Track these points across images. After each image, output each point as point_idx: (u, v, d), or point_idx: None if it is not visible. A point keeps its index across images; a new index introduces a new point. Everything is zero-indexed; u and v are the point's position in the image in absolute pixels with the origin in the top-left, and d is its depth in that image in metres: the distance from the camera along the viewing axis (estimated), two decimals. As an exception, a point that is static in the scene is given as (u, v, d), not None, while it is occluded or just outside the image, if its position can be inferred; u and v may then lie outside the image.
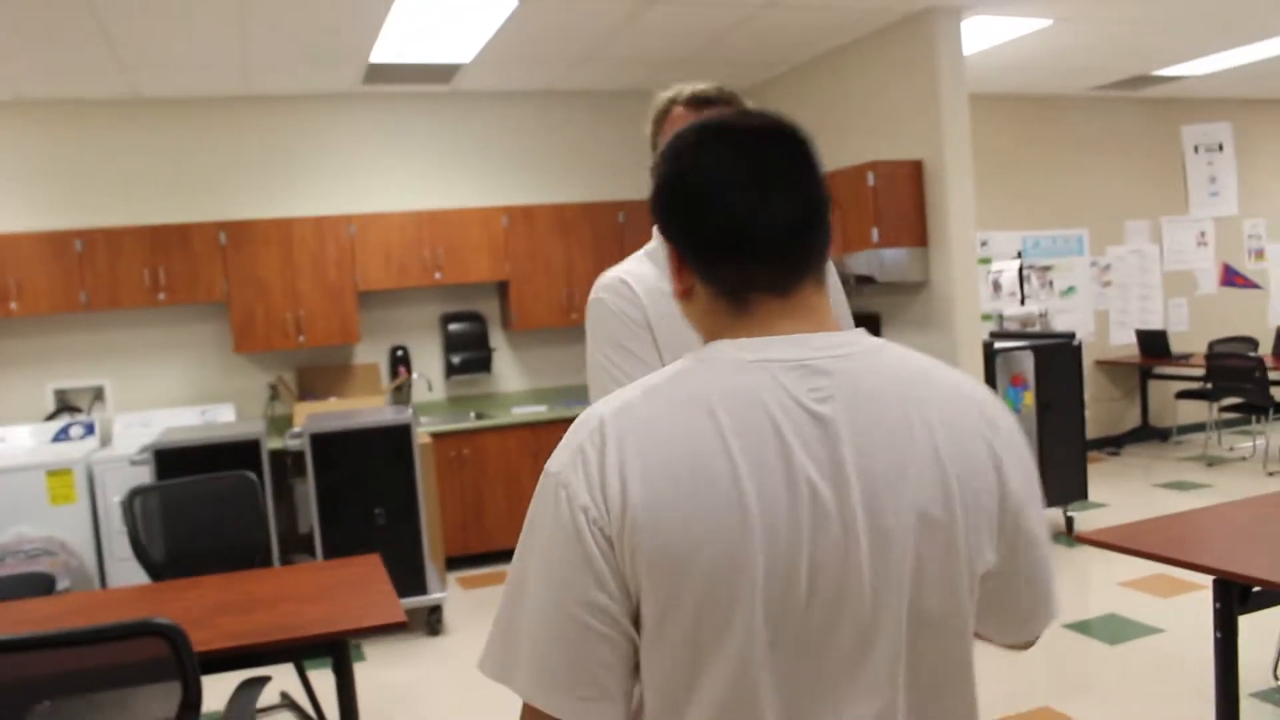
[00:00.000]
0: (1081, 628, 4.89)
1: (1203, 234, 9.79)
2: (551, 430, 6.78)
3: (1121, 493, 7.52)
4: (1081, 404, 6.61)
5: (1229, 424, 9.50)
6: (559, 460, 1.08)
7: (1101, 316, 9.28)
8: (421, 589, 5.40)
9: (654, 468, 1.02)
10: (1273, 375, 7.91)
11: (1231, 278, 9.99)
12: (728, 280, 1.12)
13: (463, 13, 5.37)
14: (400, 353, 7.02)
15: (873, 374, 1.09)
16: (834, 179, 6.02)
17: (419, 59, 6.18)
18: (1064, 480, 6.46)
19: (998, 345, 6.42)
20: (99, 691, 2.43)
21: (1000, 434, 1.13)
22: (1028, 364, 6.42)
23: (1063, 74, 8.03)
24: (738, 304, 1.12)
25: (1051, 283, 8.99)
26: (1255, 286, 10.11)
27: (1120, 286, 9.40)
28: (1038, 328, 7.72)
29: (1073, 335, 6.74)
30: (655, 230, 2.09)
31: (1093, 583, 5.62)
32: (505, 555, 6.73)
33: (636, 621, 1.05)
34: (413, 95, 7.09)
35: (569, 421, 1.09)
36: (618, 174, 7.57)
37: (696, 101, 2.01)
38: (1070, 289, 9.08)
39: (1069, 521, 6.60)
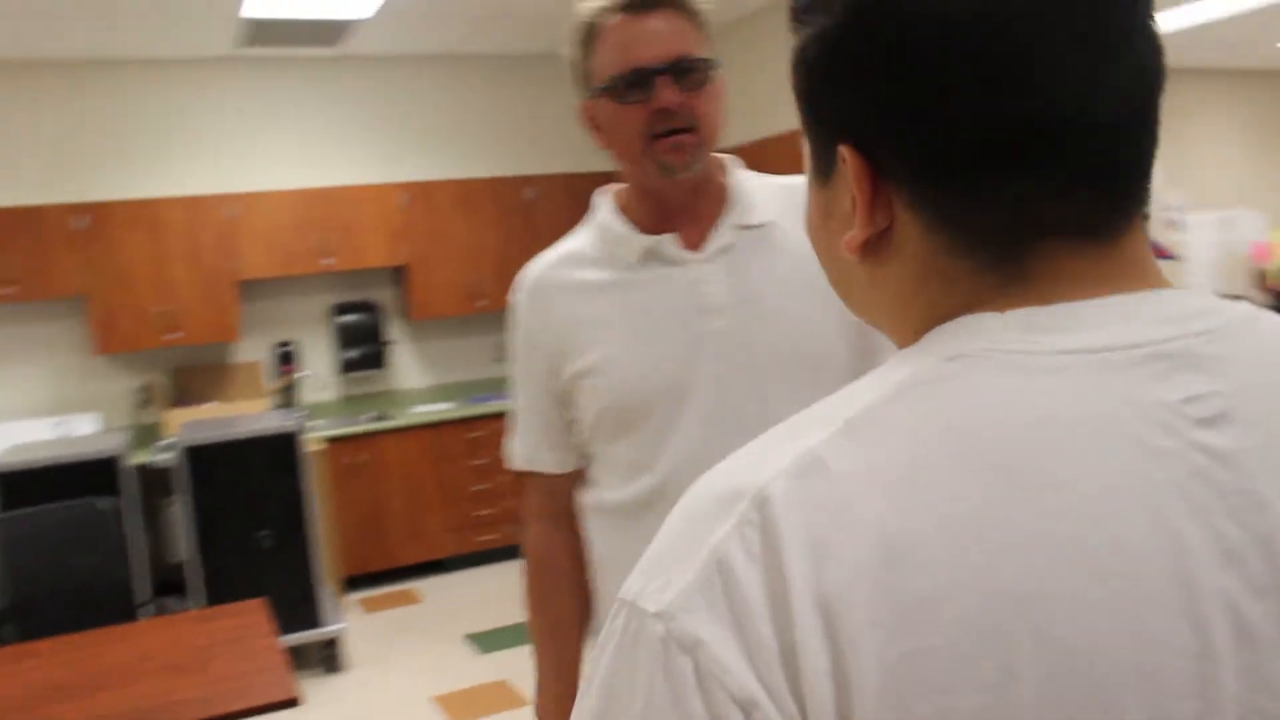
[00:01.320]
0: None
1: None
2: (458, 430, 6.16)
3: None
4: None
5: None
6: (669, 589, 0.54)
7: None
8: (315, 621, 4.75)
9: (901, 605, 0.50)
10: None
11: (1154, 250, 9.86)
12: (996, 213, 0.58)
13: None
14: (286, 349, 6.30)
15: (1272, 363, 0.57)
16: (786, 142, 5.51)
17: (304, 14, 5.45)
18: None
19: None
20: None
21: None
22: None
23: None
24: (1007, 257, 0.59)
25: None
26: (1174, 258, 10.03)
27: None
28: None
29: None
30: (598, 193, 1.60)
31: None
32: (411, 571, 6.11)
33: None
34: (297, 59, 6.34)
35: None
36: (527, 146, 6.93)
37: (636, 4, 1.46)
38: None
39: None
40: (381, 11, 5.47)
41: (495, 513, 6.27)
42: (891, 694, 0.48)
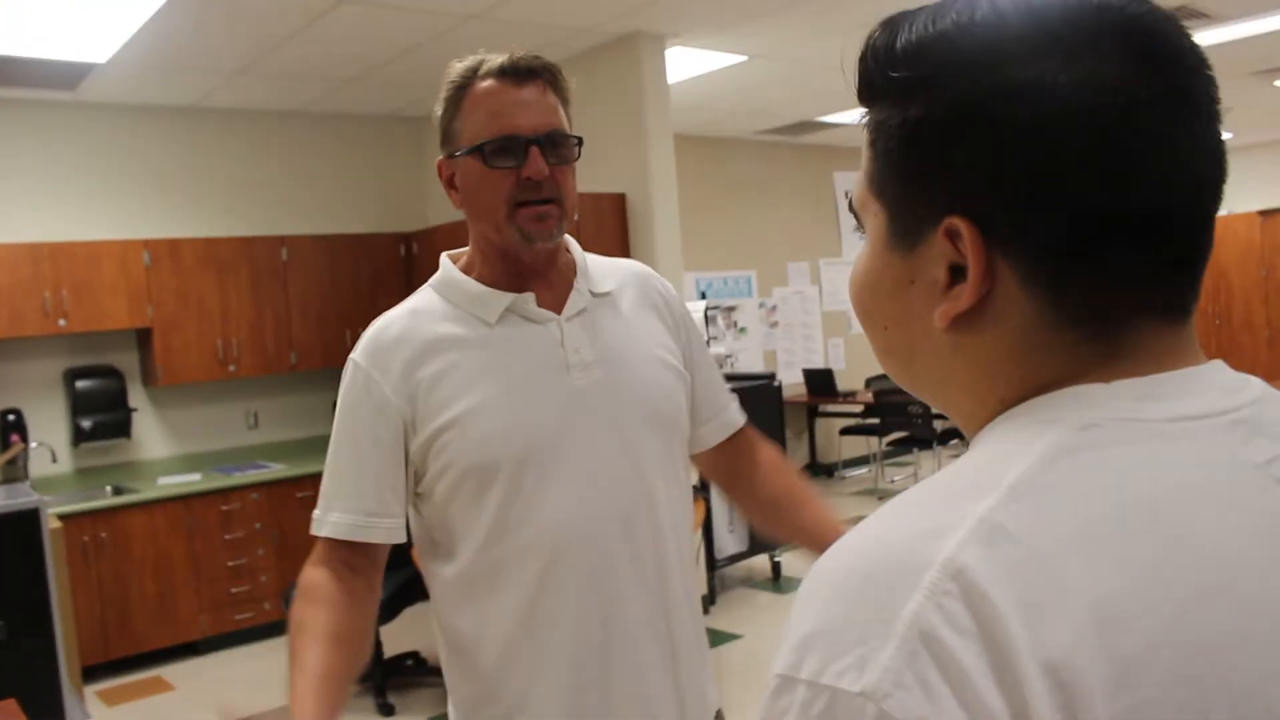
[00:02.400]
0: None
1: (853, 275, 10.25)
2: (210, 502, 5.76)
3: (813, 532, 7.54)
4: (784, 444, 6.52)
5: (887, 456, 9.91)
6: (872, 662, 0.51)
7: (770, 356, 9.41)
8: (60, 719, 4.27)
9: (1118, 662, 0.50)
10: (935, 409, 8.27)
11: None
12: (1102, 291, 0.61)
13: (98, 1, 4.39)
14: (12, 417, 5.71)
15: None
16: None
17: (39, 54, 5.03)
18: (771, 524, 6.32)
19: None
20: None
21: None
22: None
23: (734, 116, 8.06)
24: (1104, 335, 0.61)
25: (736, 324, 9.00)
26: (897, 325, 10.75)
27: (786, 327, 9.61)
28: (726, 369, 7.61)
29: (772, 376, 6.65)
30: (444, 258, 1.57)
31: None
32: (155, 657, 5.63)
33: None
34: (29, 103, 5.83)
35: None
36: (281, 205, 6.66)
37: (513, 73, 1.49)
38: (742, 329, 9.13)
39: (776, 566, 6.46)
40: (119, 57, 5.14)
41: (252, 589, 5.88)
42: None
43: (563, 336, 1.52)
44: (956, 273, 0.62)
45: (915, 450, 9.15)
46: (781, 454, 1.81)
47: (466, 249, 1.61)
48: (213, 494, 5.80)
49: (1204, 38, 6.43)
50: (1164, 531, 0.55)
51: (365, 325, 1.57)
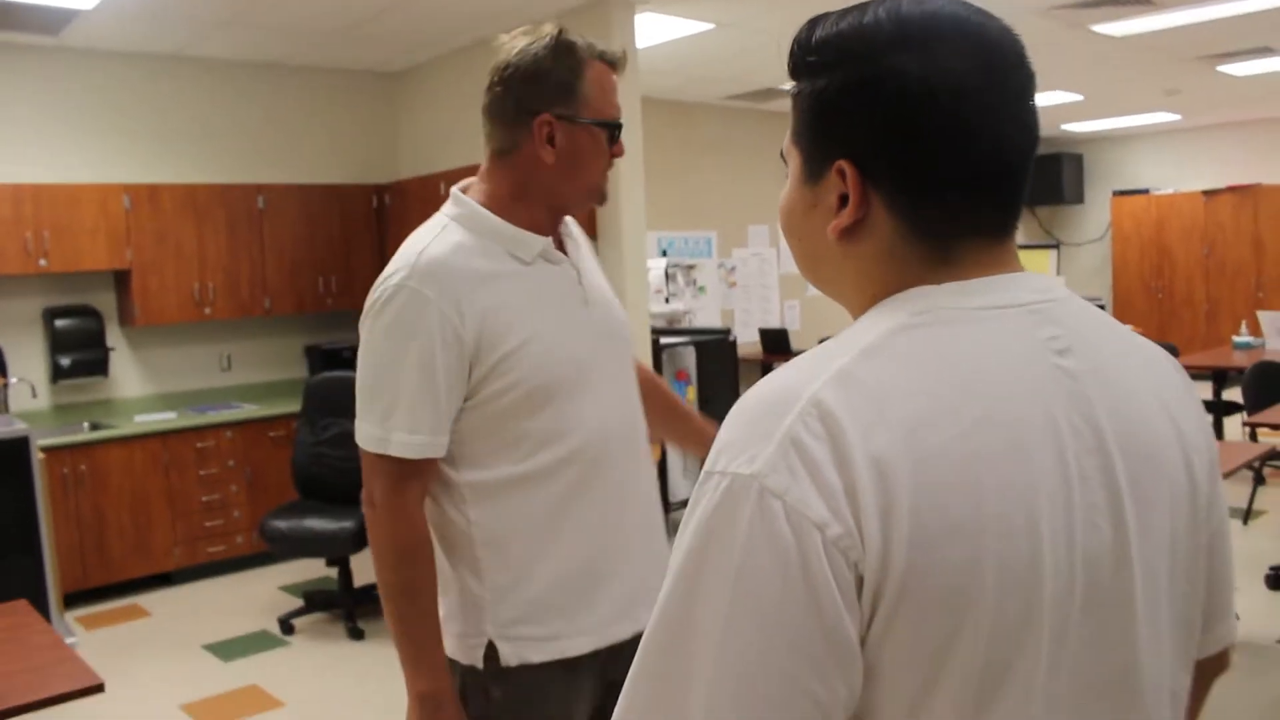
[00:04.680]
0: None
1: (810, 240, 10.52)
2: (183, 439, 5.99)
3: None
4: (738, 395, 6.81)
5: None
6: (759, 458, 0.78)
7: (728, 315, 9.70)
8: (48, 634, 4.51)
9: (926, 454, 0.78)
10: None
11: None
12: (936, 221, 0.88)
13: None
14: (-7, 353, 5.90)
15: (1089, 324, 0.92)
16: (472, 174, 5.77)
17: None
18: (724, 474, 6.61)
19: (664, 341, 6.45)
20: None
21: (1194, 399, 0.98)
22: (690, 360, 6.51)
23: (700, 82, 8.27)
24: (941, 248, 0.89)
25: (695, 282, 9.28)
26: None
27: (744, 287, 9.89)
28: (684, 325, 7.90)
29: (728, 331, 6.93)
30: (457, 193, 1.82)
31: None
32: (133, 586, 5.87)
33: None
34: (14, 47, 5.97)
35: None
36: (257, 154, 6.83)
37: (614, 62, 1.80)
38: (701, 288, 9.41)
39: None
40: (104, 3, 5.29)
41: (225, 523, 6.13)
42: (915, 512, 0.76)
43: (579, 276, 1.83)
44: (844, 200, 0.89)
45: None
46: (653, 372, 2.19)
47: (474, 183, 1.82)
48: (188, 431, 6.02)
49: (1149, 23, 6.75)
50: (963, 378, 0.82)
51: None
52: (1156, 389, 0.92)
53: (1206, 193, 12.17)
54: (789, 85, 0.95)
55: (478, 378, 1.70)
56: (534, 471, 1.73)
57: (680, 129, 9.11)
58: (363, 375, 1.71)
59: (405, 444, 1.66)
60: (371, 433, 1.68)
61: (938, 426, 0.79)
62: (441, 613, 1.77)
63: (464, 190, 1.82)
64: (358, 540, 4.77)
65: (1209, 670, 1.04)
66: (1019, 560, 0.78)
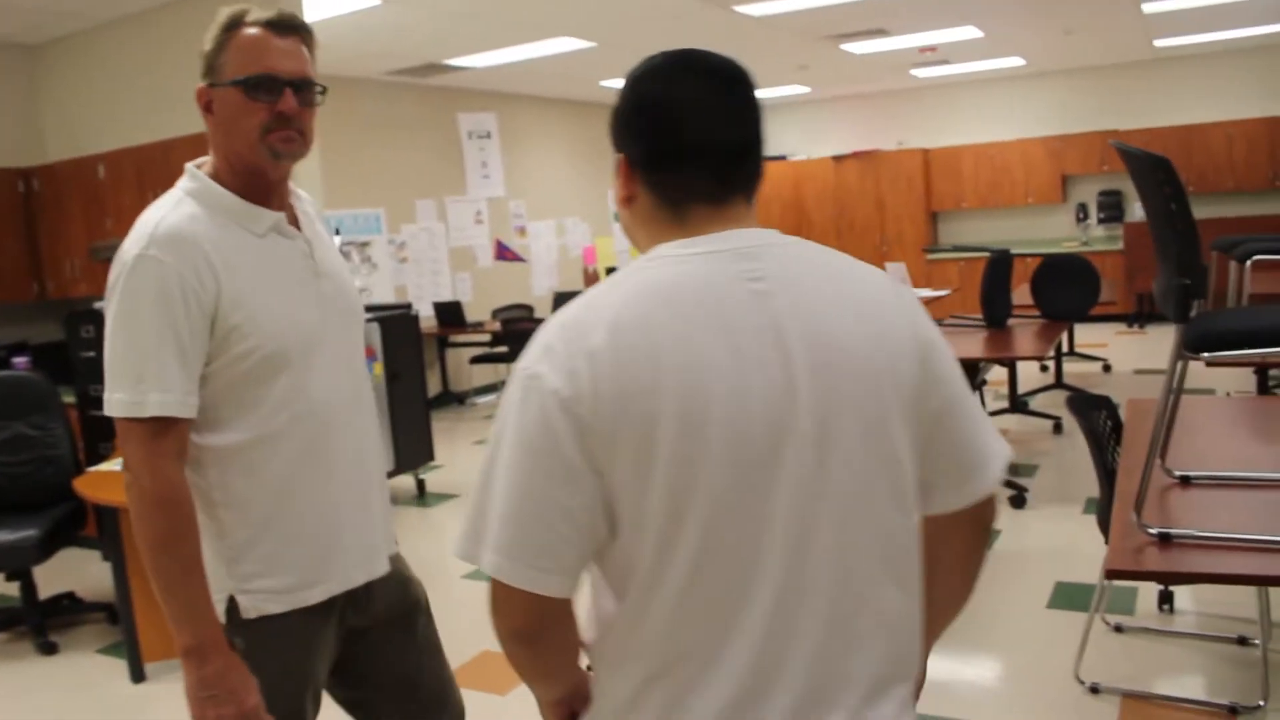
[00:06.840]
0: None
1: (479, 213, 10.69)
2: None
3: (454, 454, 7.99)
4: (423, 372, 6.90)
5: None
6: (527, 358, 1.18)
7: (401, 290, 9.71)
8: None
9: (621, 345, 1.13)
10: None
11: (503, 253, 11.06)
12: (671, 190, 1.24)
13: None
14: None
15: (795, 260, 1.23)
16: (134, 156, 5.50)
17: None
18: (413, 446, 6.68)
19: (346, 320, 6.39)
20: None
21: (910, 301, 1.28)
22: (375, 336, 6.52)
23: (362, 57, 8.21)
24: (678, 211, 1.24)
25: (369, 259, 9.20)
26: (521, 260, 11.32)
27: (415, 262, 9.92)
28: (364, 301, 7.83)
29: (409, 306, 6.98)
30: (191, 168, 1.94)
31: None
32: None
33: (604, 502, 1.15)
34: None
35: None
36: None
37: (278, 25, 1.85)
38: (374, 265, 9.36)
39: (420, 484, 6.87)
40: None
41: None
42: (614, 379, 1.12)
43: (311, 250, 1.91)
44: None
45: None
46: None
47: (207, 160, 1.88)
48: None
49: (783, 5, 7.39)
50: (664, 296, 1.16)
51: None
52: (856, 301, 1.22)
53: (835, 158, 13.41)
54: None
55: (216, 340, 1.76)
56: (269, 434, 1.82)
57: (344, 105, 8.98)
58: (112, 347, 1.73)
59: (161, 403, 1.70)
60: (125, 399, 1.71)
61: (633, 328, 1.14)
62: None
63: (199, 166, 1.87)
64: (42, 549, 4.44)
65: (974, 518, 1.33)
66: (690, 415, 1.11)
